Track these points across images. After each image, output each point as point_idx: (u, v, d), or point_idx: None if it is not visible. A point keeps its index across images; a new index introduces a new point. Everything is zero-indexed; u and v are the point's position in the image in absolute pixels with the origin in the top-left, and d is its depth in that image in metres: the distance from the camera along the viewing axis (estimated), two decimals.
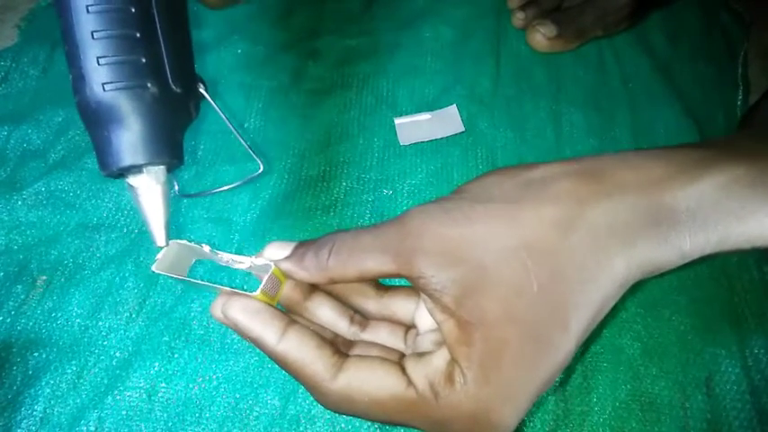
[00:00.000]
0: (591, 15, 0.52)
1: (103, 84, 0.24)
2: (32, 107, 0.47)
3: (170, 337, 0.37)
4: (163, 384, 0.35)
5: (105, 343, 0.36)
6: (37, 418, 0.34)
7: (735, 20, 0.56)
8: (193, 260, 0.29)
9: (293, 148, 0.46)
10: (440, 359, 0.23)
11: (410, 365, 0.24)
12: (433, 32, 0.54)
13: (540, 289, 0.21)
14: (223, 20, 0.54)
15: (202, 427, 0.34)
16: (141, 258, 0.40)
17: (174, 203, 0.40)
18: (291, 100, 0.49)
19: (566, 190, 0.22)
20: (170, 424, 0.34)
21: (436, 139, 0.46)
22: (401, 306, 0.28)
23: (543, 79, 0.51)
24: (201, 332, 0.37)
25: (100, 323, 0.37)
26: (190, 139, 0.46)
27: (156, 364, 0.36)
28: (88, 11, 0.24)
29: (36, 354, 0.36)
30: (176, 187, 0.27)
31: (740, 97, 0.50)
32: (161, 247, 0.27)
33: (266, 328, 0.24)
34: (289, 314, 0.26)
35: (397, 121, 0.48)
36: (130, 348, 0.36)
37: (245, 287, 0.25)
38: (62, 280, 0.39)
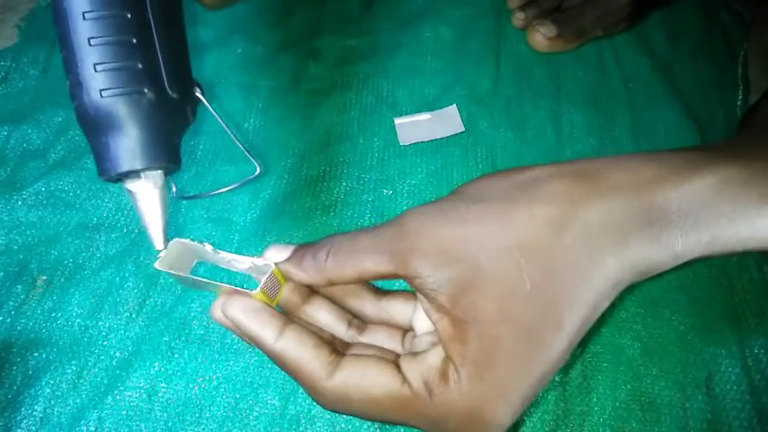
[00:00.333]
0: (591, 15, 0.52)
1: (101, 90, 0.24)
2: (32, 107, 0.47)
3: (170, 337, 0.37)
4: (163, 384, 0.35)
5: (105, 343, 0.36)
6: (37, 418, 0.34)
7: (735, 20, 0.56)
8: (195, 260, 0.29)
9: (293, 148, 0.46)
10: (434, 357, 0.24)
11: (405, 364, 0.24)
12: (433, 32, 0.54)
13: (532, 287, 0.22)
14: (223, 20, 0.54)
15: (202, 427, 0.34)
16: (141, 258, 0.40)
17: (173, 204, 0.40)
18: (291, 100, 0.49)
19: (559, 190, 0.22)
20: (170, 424, 0.34)
21: (436, 139, 0.46)
22: (399, 310, 0.28)
23: (543, 79, 0.51)
24: (201, 332, 0.37)
25: (100, 323, 0.37)
26: (189, 139, 0.46)
27: (156, 364, 0.36)
28: (84, 17, 0.24)
29: (36, 354, 0.36)
30: (174, 189, 0.27)
31: (740, 97, 0.50)
32: (160, 251, 0.27)
33: (265, 327, 0.25)
34: (288, 315, 0.27)
35: (397, 121, 0.48)
36: (130, 348, 0.36)
37: (244, 286, 0.26)
38: (62, 280, 0.39)
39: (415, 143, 0.46)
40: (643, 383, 0.36)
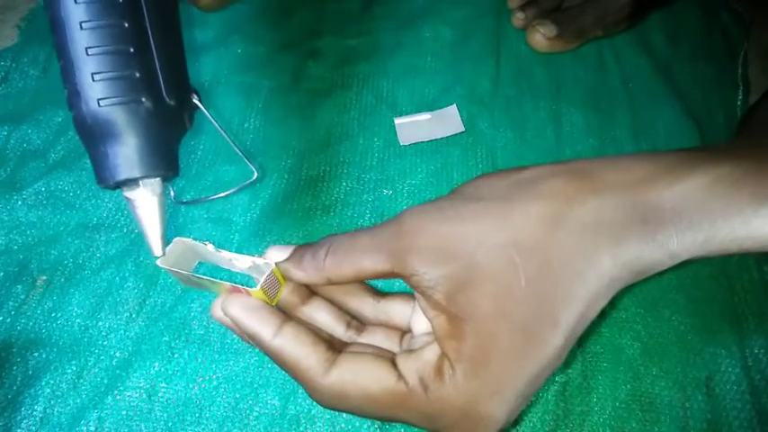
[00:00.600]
0: (591, 15, 0.52)
1: (99, 99, 0.24)
2: (32, 107, 0.47)
3: (170, 337, 0.37)
4: (163, 384, 0.35)
5: (105, 343, 0.36)
6: (37, 418, 0.34)
7: (735, 20, 0.56)
8: (197, 261, 0.29)
9: (293, 148, 0.46)
10: (430, 353, 0.24)
11: (401, 360, 0.24)
12: (433, 32, 0.54)
13: (527, 284, 0.22)
14: (223, 20, 0.54)
15: (202, 427, 0.34)
16: (141, 258, 0.40)
17: (172, 205, 0.40)
18: (291, 100, 0.49)
19: (554, 188, 0.23)
20: (170, 424, 0.34)
21: (436, 139, 0.47)
22: (397, 311, 0.28)
23: (543, 79, 0.51)
24: (201, 332, 0.37)
25: (100, 323, 0.37)
26: (189, 139, 0.46)
27: (156, 364, 0.36)
28: (82, 27, 0.24)
29: (36, 354, 0.36)
30: (172, 194, 0.27)
31: (740, 97, 0.50)
32: (158, 257, 0.27)
33: (263, 324, 0.25)
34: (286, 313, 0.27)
35: (397, 121, 0.48)
36: (130, 348, 0.36)
37: (245, 286, 0.26)
38: (62, 280, 0.39)
39: (415, 143, 0.46)
40: (643, 383, 0.36)
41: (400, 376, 0.23)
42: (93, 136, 0.25)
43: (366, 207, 0.43)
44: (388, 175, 0.45)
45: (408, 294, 0.28)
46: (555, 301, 0.22)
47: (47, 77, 0.49)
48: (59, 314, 0.37)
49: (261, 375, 0.36)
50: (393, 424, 0.34)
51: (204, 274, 0.27)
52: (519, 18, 0.53)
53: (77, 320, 0.37)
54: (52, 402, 0.34)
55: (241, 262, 0.27)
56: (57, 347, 0.36)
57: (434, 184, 0.44)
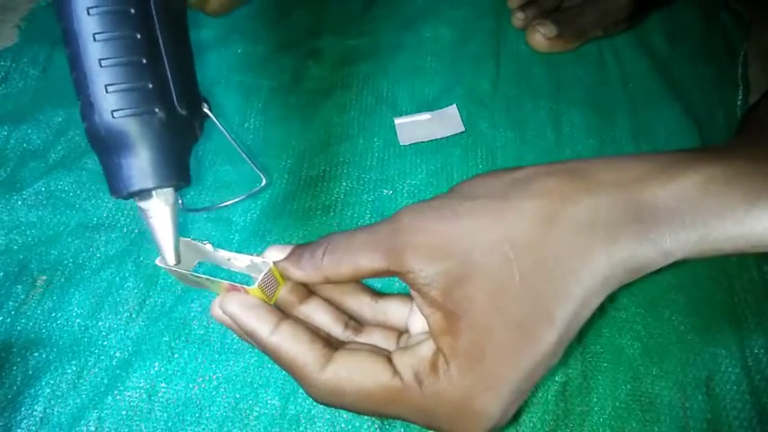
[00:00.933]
0: (591, 15, 0.52)
1: (112, 111, 0.24)
2: (32, 107, 0.47)
3: (170, 337, 0.37)
4: (163, 384, 0.35)
5: (105, 343, 0.36)
6: (37, 418, 0.34)
7: (735, 20, 0.56)
8: (196, 260, 0.29)
9: (293, 148, 0.46)
10: (425, 349, 0.24)
11: (396, 357, 0.25)
12: (433, 33, 0.54)
13: (522, 281, 0.22)
14: (223, 20, 0.54)
15: (202, 427, 0.34)
16: (141, 258, 0.40)
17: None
18: (291, 100, 0.49)
19: (549, 187, 0.23)
20: (170, 424, 0.34)
21: (436, 139, 0.47)
22: (395, 311, 0.28)
23: (543, 79, 0.51)
24: (201, 332, 0.37)
25: (100, 323, 0.37)
26: None
27: (156, 364, 0.36)
28: (95, 39, 0.24)
29: (36, 354, 0.36)
30: (180, 202, 0.27)
31: (740, 97, 0.50)
32: (173, 265, 0.27)
33: (261, 321, 0.25)
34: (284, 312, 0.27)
35: (397, 121, 0.48)
36: (130, 348, 0.36)
37: (244, 284, 0.26)
38: (62, 280, 0.39)
39: (415, 143, 0.46)
40: (643, 383, 0.36)
41: (396, 372, 0.24)
42: (107, 147, 0.25)
43: (366, 207, 0.43)
44: (388, 175, 0.45)
45: (406, 295, 0.29)
46: (549, 299, 0.22)
47: (47, 77, 0.49)
48: (59, 314, 0.37)
49: (261, 375, 0.36)
50: (393, 423, 0.34)
51: (204, 274, 0.27)
52: (519, 18, 0.53)
53: (77, 320, 0.37)
54: (52, 402, 0.34)
55: (239, 261, 0.28)
56: (57, 347, 0.36)
57: (434, 185, 0.44)
